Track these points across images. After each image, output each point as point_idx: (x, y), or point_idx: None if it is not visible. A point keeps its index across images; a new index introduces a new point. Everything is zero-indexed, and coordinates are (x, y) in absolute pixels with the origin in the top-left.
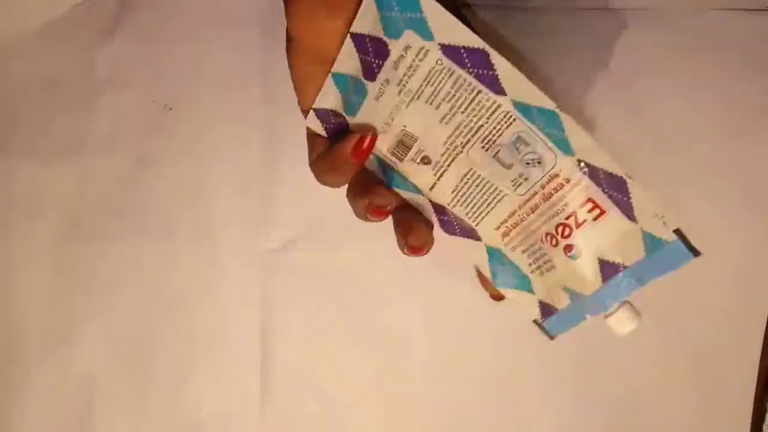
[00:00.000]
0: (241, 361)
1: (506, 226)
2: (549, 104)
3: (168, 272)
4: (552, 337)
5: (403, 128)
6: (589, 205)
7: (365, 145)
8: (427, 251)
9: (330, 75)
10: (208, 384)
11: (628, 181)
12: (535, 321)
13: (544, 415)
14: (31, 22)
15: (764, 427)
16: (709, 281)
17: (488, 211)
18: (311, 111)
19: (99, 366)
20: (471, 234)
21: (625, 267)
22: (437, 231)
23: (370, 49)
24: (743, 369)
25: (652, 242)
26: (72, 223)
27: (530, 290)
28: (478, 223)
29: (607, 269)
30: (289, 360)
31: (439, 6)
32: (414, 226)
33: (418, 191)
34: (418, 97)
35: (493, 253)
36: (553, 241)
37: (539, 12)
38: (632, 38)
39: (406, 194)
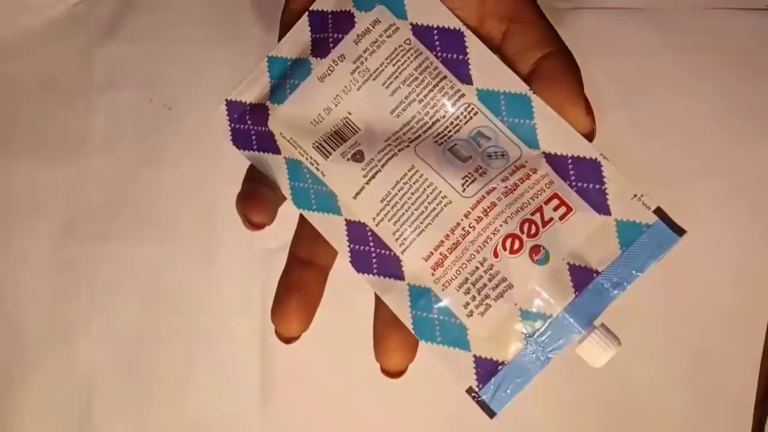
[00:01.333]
0: (241, 361)
1: (441, 253)
2: (521, 87)
3: (168, 272)
4: (492, 415)
5: (346, 116)
6: (555, 202)
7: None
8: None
9: (265, 59)
10: (208, 384)
11: (603, 162)
12: (469, 391)
13: (544, 414)
14: (31, 22)
15: (766, 429)
16: (709, 282)
17: (423, 228)
18: (223, 103)
19: (99, 366)
20: (391, 270)
21: (597, 273)
22: (348, 267)
23: (330, 25)
24: (744, 370)
25: (628, 232)
26: (71, 223)
27: (465, 345)
28: (406, 248)
29: (579, 276)
30: (289, 360)
31: None
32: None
33: (336, 205)
34: (375, 78)
35: (419, 295)
36: (515, 245)
37: None
38: (632, 38)
39: (317, 216)
